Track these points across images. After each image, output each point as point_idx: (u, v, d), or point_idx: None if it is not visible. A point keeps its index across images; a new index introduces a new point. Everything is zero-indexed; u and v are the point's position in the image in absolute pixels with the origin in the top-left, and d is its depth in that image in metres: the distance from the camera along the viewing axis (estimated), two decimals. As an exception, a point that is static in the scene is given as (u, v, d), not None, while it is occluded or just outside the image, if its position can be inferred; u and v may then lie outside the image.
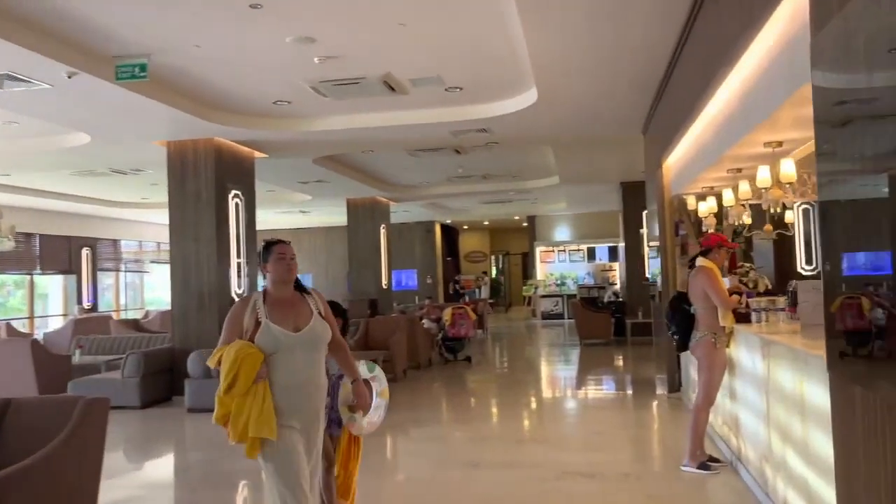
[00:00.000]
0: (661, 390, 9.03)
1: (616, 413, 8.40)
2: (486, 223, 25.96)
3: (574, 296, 21.00)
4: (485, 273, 26.04)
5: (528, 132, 9.95)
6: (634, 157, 12.81)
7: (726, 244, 5.61)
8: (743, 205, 6.45)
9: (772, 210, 5.36)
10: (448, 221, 24.87)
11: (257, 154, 10.48)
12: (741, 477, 5.25)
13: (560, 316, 21.61)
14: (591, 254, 22.23)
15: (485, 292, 22.75)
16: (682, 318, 5.71)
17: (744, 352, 5.19)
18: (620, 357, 13.60)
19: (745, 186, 6.10)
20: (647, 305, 15.14)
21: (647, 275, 15.16)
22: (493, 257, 28.38)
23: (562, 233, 22.80)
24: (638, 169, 14.34)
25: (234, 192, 9.97)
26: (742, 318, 5.50)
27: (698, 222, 9.57)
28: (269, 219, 19.20)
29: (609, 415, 8.35)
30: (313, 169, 12.36)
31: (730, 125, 5.29)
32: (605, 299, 16.82)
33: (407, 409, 8.90)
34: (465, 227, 27.03)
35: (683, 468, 5.54)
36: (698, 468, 5.49)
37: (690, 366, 7.16)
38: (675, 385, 8.75)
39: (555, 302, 22.01)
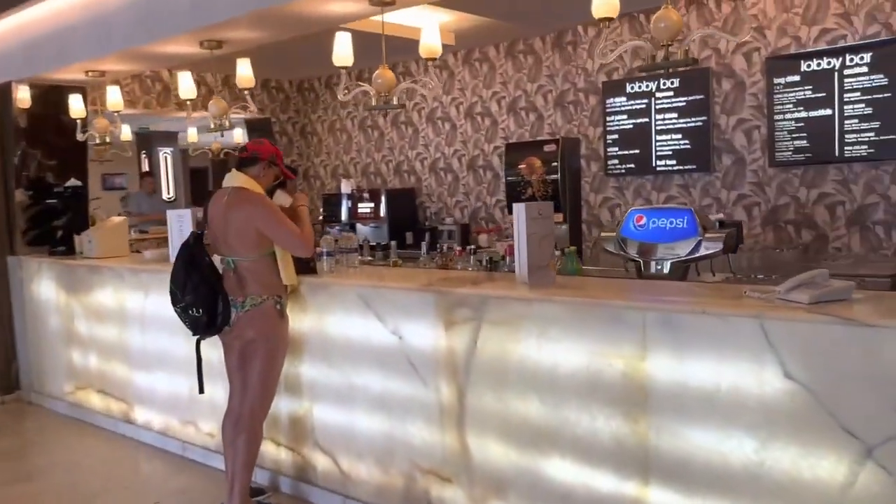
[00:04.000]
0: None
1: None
2: None
3: None
4: None
5: None
6: None
7: (281, 162, 3.46)
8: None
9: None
10: None
11: None
12: (325, 506, 3.45)
13: None
14: None
15: None
16: (206, 279, 3.32)
17: (350, 316, 3.33)
18: None
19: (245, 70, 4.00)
20: None
21: None
22: None
23: None
24: None
25: None
26: (303, 267, 3.55)
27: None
28: None
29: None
30: None
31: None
32: None
33: None
34: None
35: (233, 516, 3.32)
36: (257, 512, 3.39)
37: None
38: (11, 383, 5.64)
39: None
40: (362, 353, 3.30)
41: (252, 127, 8.89)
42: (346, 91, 3.45)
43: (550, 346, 2.68)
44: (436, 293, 2.99)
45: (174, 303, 3.36)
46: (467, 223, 7.38)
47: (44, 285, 5.34)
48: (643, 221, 3.21)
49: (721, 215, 3.35)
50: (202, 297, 3.28)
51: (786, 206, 5.03)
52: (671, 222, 3.09)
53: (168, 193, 13.71)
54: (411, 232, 7.26)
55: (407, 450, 3.16)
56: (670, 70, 2.83)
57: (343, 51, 3.44)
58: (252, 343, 3.31)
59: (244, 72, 3.96)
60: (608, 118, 5.83)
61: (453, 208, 7.62)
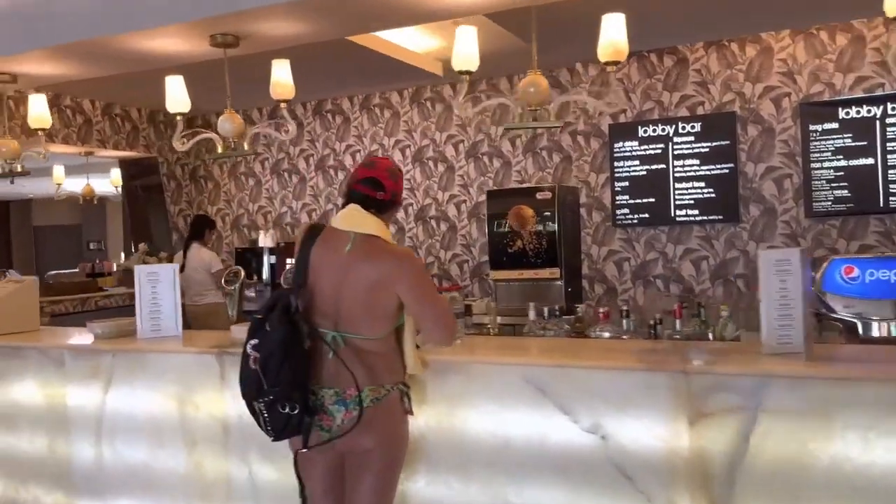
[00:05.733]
0: None
1: None
2: None
3: None
4: None
5: None
6: None
7: (401, 195, 2.43)
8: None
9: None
10: None
11: None
12: None
13: None
14: None
15: None
16: (304, 362, 2.22)
17: (507, 408, 2.36)
18: None
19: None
20: None
21: None
22: None
23: None
24: None
25: None
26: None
27: None
28: None
29: None
30: None
31: None
32: None
33: None
34: None
35: None
36: None
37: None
38: None
39: None
40: (531, 460, 2.34)
41: (131, 168, 7.38)
42: (467, 104, 2.55)
43: (883, 442, 1.96)
44: (675, 374, 2.16)
45: (258, 396, 2.19)
46: (418, 281, 6.48)
47: None
48: (855, 273, 2.65)
49: (933, 265, 2.92)
50: (299, 386, 2.19)
51: (823, 258, 4.78)
52: (897, 274, 2.57)
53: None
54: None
55: None
56: None
57: (468, 49, 2.55)
58: (366, 454, 2.24)
59: (282, 77, 2.90)
60: (616, 164, 5.32)
61: (397, 264, 6.68)
